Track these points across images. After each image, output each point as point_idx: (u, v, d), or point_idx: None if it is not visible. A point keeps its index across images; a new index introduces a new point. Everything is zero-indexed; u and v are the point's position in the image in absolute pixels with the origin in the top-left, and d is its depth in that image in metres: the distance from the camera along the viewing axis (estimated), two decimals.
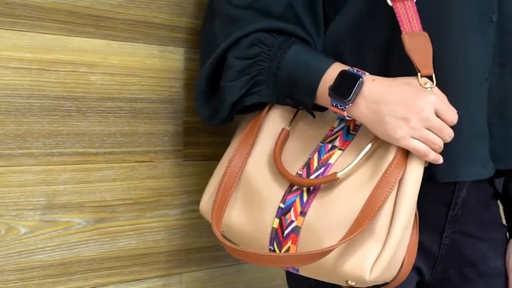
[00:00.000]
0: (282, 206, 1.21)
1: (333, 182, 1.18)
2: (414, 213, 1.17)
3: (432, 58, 1.16)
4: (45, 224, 1.23)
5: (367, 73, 1.17)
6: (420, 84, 1.15)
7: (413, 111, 1.13)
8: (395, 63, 1.21)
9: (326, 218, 1.17)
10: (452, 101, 1.16)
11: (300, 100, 1.22)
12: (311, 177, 1.21)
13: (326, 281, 1.21)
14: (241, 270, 1.53)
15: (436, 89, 1.15)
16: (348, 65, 1.19)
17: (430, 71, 1.15)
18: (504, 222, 1.43)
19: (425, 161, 1.16)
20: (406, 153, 1.15)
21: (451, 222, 1.30)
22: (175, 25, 1.35)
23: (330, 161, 1.21)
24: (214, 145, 1.44)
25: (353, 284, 1.15)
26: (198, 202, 1.39)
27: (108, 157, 1.29)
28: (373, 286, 1.16)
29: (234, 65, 1.23)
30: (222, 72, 1.25)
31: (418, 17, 1.17)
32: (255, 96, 1.24)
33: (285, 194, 1.21)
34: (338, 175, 1.17)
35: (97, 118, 1.27)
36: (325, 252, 1.12)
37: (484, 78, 1.24)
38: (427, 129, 1.14)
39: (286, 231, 1.20)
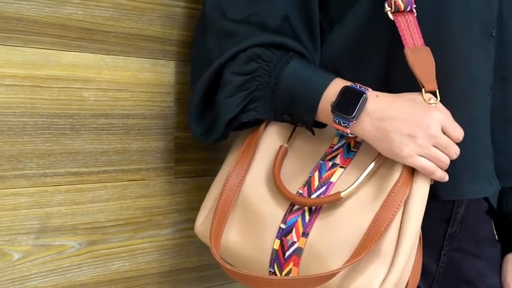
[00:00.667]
0: (283, 226, 1.18)
1: (336, 201, 1.16)
2: (419, 233, 1.16)
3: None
4: (38, 248, 1.19)
5: (369, 89, 1.15)
6: (424, 100, 1.14)
7: (420, 128, 1.12)
8: (395, 78, 1.21)
9: (330, 239, 1.15)
10: (456, 117, 1.16)
11: (300, 117, 1.19)
12: (312, 196, 1.19)
13: None
14: None
15: (440, 105, 1.15)
16: (347, 80, 1.18)
17: (434, 86, 1.15)
18: (496, 238, 1.44)
19: (431, 179, 1.15)
20: (411, 172, 1.14)
21: (449, 240, 1.30)
22: (167, 38, 1.33)
23: (331, 180, 1.19)
24: (204, 161, 1.42)
25: None
26: (188, 221, 1.38)
27: (102, 176, 1.25)
28: None
29: (230, 80, 1.20)
30: (217, 88, 1.22)
31: (419, 31, 1.16)
32: (251, 113, 1.21)
33: (285, 214, 1.19)
34: (342, 194, 1.15)
35: (90, 136, 1.23)
36: (331, 275, 1.10)
37: (486, 93, 1.25)
38: (434, 146, 1.13)
39: (287, 253, 1.17)
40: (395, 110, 1.14)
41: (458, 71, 1.21)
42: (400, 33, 1.16)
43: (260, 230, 1.20)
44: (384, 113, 1.13)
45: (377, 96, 1.15)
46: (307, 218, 1.18)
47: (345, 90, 1.15)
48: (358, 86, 1.15)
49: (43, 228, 1.19)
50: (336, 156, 1.21)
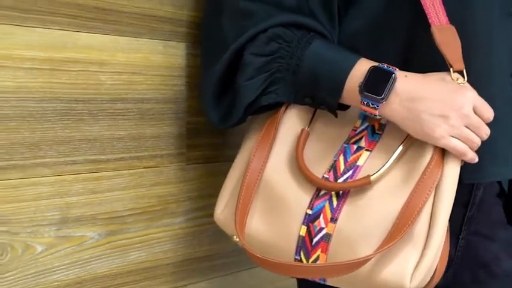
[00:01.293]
0: (310, 212, 1.16)
1: (366, 185, 1.14)
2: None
3: None
4: (60, 240, 1.15)
5: (397, 69, 1.14)
6: (453, 80, 1.13)
7: (452, 108, 1.11)
8: (416, 58, 1.19)
9: (360, 224, 1.13)
10: None
11: (323, 99, 1.17)
12: (339, 180, 1.17)
13: None
14: (238, 277, 1.49)
15: (468, 85, 1.14)
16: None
17: (462, 66, 1.14)
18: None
19: (462, 161, 1.15)
20: (442, 153, 1.13)
21: (467, 223, 1.28)
22: (177, 18, 1.30)
23: (358, 163, 1.17)
24: (216, 147, 1.40)
25: None
26: (200, 208, 1.36)
27: (118, 164, 1.22)
28: None
29: (251, 62, 1.17)
30: (234, 71, 1.19)
31: (444, 9, 1.15)
32: (272, 96, 1.18)
33: (312, 200, 1.17)
34: (372, 178, 1.14)
35: (107, 121, 1.20)
36: (363, 261, 1.09)
37: (507, 75, 1.25)
38: (466, 127, 1.12)
39: (315, 239, 1.15)
40: (426, 89, 1.13)
41: (479, 51, 1.19)
42: (426, 11, 1.15)
43: (284, 216, 1.17)
44: (413, 92, 1.12)
45: (406, 76, 1.14)
46: (334, 203, 1.15)
47: (373, 70, 1.13)
48: (385, 65, 1.14)
49: (64, 219, 1.15)
50: (360, 139, 1.20)
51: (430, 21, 1.14)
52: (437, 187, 1.12)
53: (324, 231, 1.15)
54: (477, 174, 1.21)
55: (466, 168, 1.16)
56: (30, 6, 1.09)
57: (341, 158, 1.19)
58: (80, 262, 1.18)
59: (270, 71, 1.17)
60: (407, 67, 1.17)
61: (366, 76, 1.13)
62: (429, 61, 1.17)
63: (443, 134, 1.11)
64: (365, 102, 1.13)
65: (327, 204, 1.16)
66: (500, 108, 1.21)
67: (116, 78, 1.20)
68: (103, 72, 1.19)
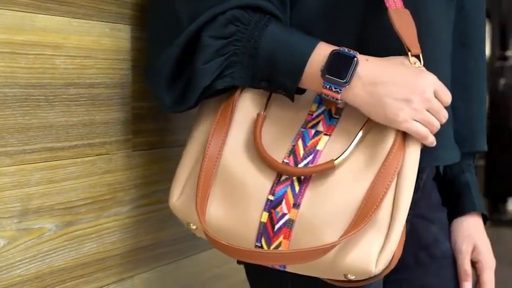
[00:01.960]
0: (272, 198, 1.15)
1: (330, 170, 1.15)
2: None
3: None
4: (21, 233, 1.11)
5: (357, 53, 1.15)
6: (411, 64, 1.16)
7: (415, 92, 1.13)
8: (371, 42, 1.21)
9: (323, 210, 1.13)
10: None
11: (281, 83, 1.17)
12: (300, 165, 1.16)
13: (321, 277, 1.19)
14: (180, 266, 1.48)
15: (424, 69, 1.17)
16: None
17: (419, 50, 1.17)
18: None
19: (422, 144, 1.17)
20: (404, 137, 1.15)
21: (412, 207, 1.26)
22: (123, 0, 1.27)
23: (317, 148, 1.17)
24: (159, 132, 1.38)
25: (352, 277, 1.13)
26: (144, 196, 1.34)
27: (73, 152, 1.19)
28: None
29: (210, 45, 1.15)
30: (190, 53, 1.17)
31: None
32: (227, 79, 1.17)
33: (273, 185, 1.16)
34: (335, 162, 1.14)
35: (61, 108, 1.16)
36: (330, 247, 1.09)
37: (449, 59, 1.30)
38: (427, 111, 1.15)
39: (277, 226, 1.14)
40: (388, 73, 1.15)
41: (428, 35, 1.22)
42: None
43: (244, 202, 1.16)
44: (376, 76, 1.14)
45: (367, 60, 1.15)
46: (297, 188, 1.15)
47: (334, 54, 1.14)
48: (346, 49, 1.14)
49: (25, 210, 1.11)
50: (317, 123, 1.20)
51: (387, 4, 1.17)
52: (399, 171, 1.14)
53: (286, 217, 1.14)
54: (430, 158, 1.24)
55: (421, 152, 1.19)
56: None
57: (300, 143, 1.19)
58: (40, 255, 1.14)
59: (227, 54, 1.16)
60: (360, 51, 1.17)
61: (328, 60, 1.13)
62: (383, 44, 1.19)
63: (407, 117, 1.13)
64: (327, 86, 1.13)
65: (289, 190, 1.15)
66: None
67: (69, 62, 1.17)
68: (58, 56, 1.15)
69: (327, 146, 1.18)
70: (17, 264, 1.10)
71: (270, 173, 1.17)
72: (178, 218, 1.24)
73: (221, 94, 1.21)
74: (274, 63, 1.16)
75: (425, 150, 1.19)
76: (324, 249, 1.09)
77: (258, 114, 1.20)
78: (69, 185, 1.19)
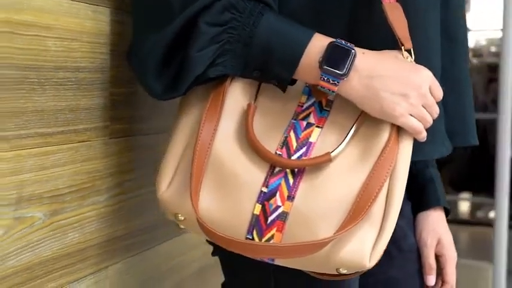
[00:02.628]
0: (265, 190, 1.14)
1: (326, 162, 1.15)
2: None
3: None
4: (16, 222, 1.08)
5: (354, 46, 1.15)
6: (404, 58, 1.18)
7: (412, 87, 1.15)
8: (361, 35, 1.22)
9: (318, 203, 1.13)
10: None
11: (275, 73, 1.16)
12: (293, 157, 1.16)
13: (311, 270, 1.19)
14: (146, 257, 1.47)
15: (419, 65, 1.19)
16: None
17: (410, 44, 1.19)
18: None
19: (413, 139, 1.19)
20: (398, 131, 1.17)
21: None
22: None
23: (310, 140, 1.17)
24: (134, 119, 1.36)
25: (344, 271, 1.14)
26: (120, 184, 1.33)
27: (60, 138, 1.16)
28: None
29: (206, 32, 1.13)
30: (183, 39, 1.14)
31: None
32: (219, 68, 1.15)
33: (266, 177, 1.15)
34: (332, 155, 1.14)
35: (52, 91, 1.14)
36: (325, 242, 1.09)
37: (439, 53, 1.32)
38: (422, 106, 1.17)
39: (270, 218, 1.13)
40: (384, 67, 1.16)
41: (418, 30, 1.24)
42: None
43: (237, 193, 1.15)
44: (372, 70, 1.15)
45: (363, 53, 1.16)
46: (291, 180, 1.15)
47: (333, 46, 1.14)
48: (343, 41, 1.15)
49: (19, 198, 1.08)
50: (308, 115, 1.19)
51: None
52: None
53: (280, 210, 1.14)
54: (417, 152, 1.24)
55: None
56: None
57: (292, 134, 1.18)
58: (31, 245, 1.11)
59: (221, 42, 1.14)
60: (352, 42, 1.17)
61: (326, 51, 1.14)
62: (371, 38, 1.21)
63: (403, 112, 1.15)
64: (325, 78, 1.13)
65: (283, 182, 1.15)
66: None
67: (59, 45, 1.14)
68: (49, 38, 1.12)
69: (320, 138, 1.18)
70: (10, 254, 1.07)
71: (263, 165, 1.16)
72: (161, 209, 1.20)
73: (211, 82, 1.19)
74: (270, 52, 1.15)
75: (414, 145, 1.20)
76: (321, 244, 1.10)
77: (249, 105, 1.18)
78: (57, 172, 1.16)
